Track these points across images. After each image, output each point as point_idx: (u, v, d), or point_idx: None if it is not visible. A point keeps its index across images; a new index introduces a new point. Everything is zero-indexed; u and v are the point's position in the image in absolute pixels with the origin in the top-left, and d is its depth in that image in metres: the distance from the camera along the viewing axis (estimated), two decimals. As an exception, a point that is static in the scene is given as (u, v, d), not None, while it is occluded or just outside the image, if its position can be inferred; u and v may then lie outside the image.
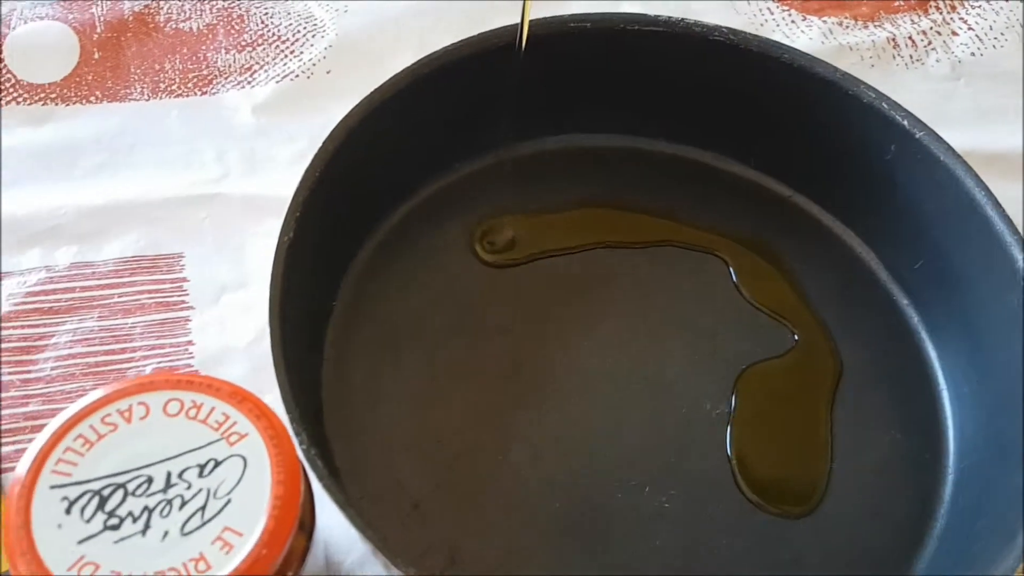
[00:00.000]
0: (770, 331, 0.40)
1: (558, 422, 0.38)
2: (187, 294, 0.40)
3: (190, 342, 0.39)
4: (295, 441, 0.29)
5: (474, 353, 0.39)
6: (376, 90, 0.37)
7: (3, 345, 0.38)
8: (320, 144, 0.36)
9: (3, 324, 0.39)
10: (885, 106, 0.39)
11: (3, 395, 0.37)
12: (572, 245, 0.42)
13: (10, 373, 0.38)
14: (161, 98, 0.46)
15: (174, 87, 0.46)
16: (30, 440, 0.35)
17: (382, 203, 0.41)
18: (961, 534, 0.34)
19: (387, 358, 0.38)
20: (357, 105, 0.37)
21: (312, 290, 0.37)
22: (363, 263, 0.40)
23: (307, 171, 0.35)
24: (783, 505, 0.36)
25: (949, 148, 0.37)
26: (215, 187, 0.43)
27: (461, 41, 0.39)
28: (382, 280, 0.40)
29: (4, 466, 0.35)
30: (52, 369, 0.38)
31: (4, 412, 0.37)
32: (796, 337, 0.40)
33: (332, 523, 0.34)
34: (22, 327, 0.39)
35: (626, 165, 0.44)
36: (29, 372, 0.38)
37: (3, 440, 0.36)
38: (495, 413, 0.38)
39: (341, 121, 0.36)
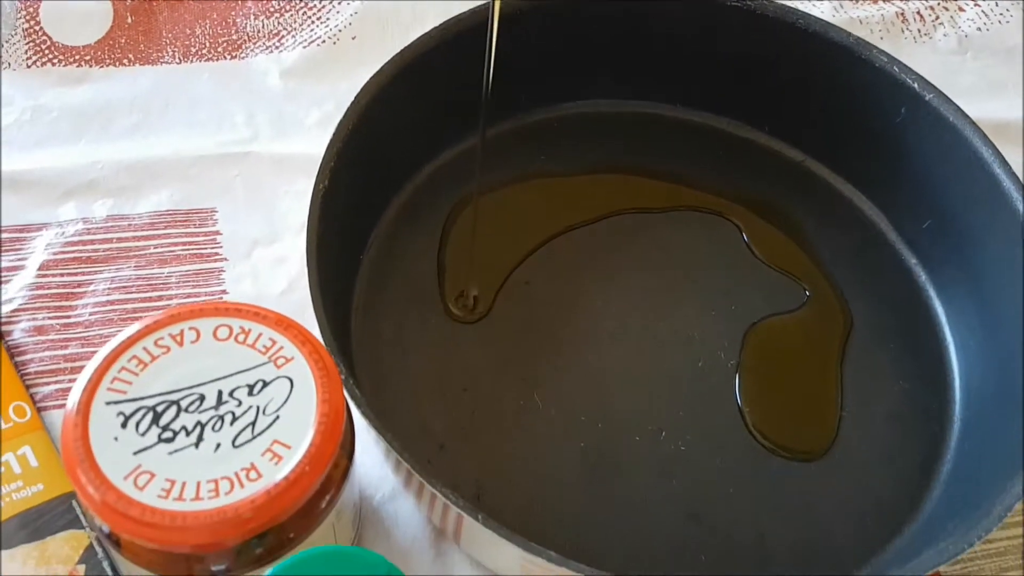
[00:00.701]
0: (783, 288, 0.42)
1: (578, 372, 0.39)
2: (220, 247, 0.42)
3: (224, 291, 0.40)
4: (335, 372, 0.30)
5: (498, 307, 0.40)
6: (407, 47, 0.39)
7: (43, 292, 0.39)
8: (352, 99, 0.37)
9: (42, 272, 0.40)
10: (896, 69, 0.40)
11: (43, 339, 0.38)
12: (592, 216, 0.43)
13: (50, 318, 0.39)
14: (192, 62, 0.48)
15: (204, 51, 0.48)
16: (70, 380, 0.37)
17: (410, 162, 0.42)
18: (966, 477, 0.35)
19: (414, 310, 0.40)
20: (389, 61, 0.38)
21: (342, 243, 0.38)
22: (390, 220, 0.42)
23: (341, 123, 0.36)
24: (794, 450, 0.37)
25: (958, 109, 0.39)
26: (245, 147, 0.44)
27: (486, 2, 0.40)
28: (409, 236, 0.42)
29: (45, 404, 0.37)
30: (91, 315, 0.39)
31: (45, 354, 0.38)
32: (808, 294, 0.41)
33: (364, 460, 0.36)
34: (61, 275, 0.40)
35: (643, 130, 0.46)
36: (68, 317, 0.39)
37: (43, 381, 0.37)
38: (518, 363, 0.39)
39: (374, 76, 0.38)
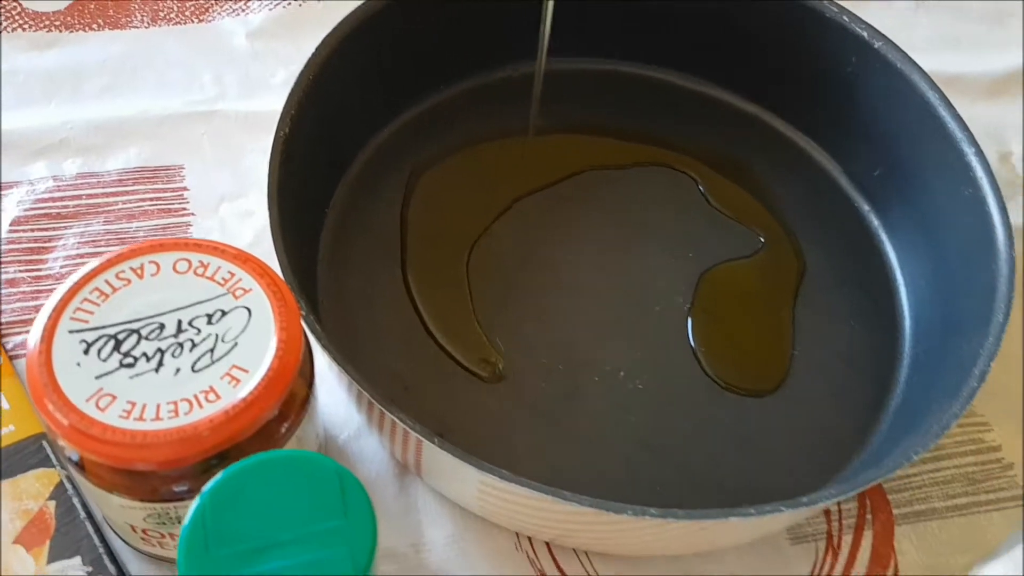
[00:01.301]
0: (739, 236, 0.43)
1: (539, 318, 0.40)
2: (187, 202, 0.42)
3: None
4: (294, 307, 0.31)
5: (463, 259, 0.41)
6: (364, 4, 0.40)
7: (14, 247, 0.40)
8: (312, 52, 0.38)
9: (14, 228, 0.41)
10: (846, 19, 0.41)
11: (15, 291, 0.39)
12: (555, 177, 0.44)
13: (21, 271, 0.40)
14: (160, 26, 0.48)
15: (172, 15, 0.49)
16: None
17: (374, 116, 0.43)
18: (912, 410, 0.36)
19: (379, 262, 0.41)
20: (349, 15, 0.39)
21: (306, 195, 0.39)
22: (356, 175, 0.43)
23: (301, 74, 0.37)
24: (746, 388, 0.38)
25: (905, 56, 0.40)
26: (212, 106, 0.45)
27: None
28: (374, 191, 0.43)
29: (16, 353, 0.38)
30: (61, 268, 0.40)
31: (16, 305, 0.39)
32: (763, 241, 0.42)
33: (328, 401, 0.37)
34: (32, 230, 0.41)
35: (602, 88, 0.47)
36: (39, 270, 0.40)
37: (15, 331, 0.38)
38: (482, 310, 0.40)
39: (334, 29, 0.39)
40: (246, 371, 0.27)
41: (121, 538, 0.33)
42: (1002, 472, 0.38)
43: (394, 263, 0.41)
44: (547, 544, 0.35)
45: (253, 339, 0.28)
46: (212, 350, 0.27)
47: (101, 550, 0.32)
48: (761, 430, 0.38)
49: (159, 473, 0.28)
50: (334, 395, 0.37)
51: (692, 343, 0.39)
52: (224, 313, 0.28)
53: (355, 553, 0.22)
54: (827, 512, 0.36)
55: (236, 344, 0.28)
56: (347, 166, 0.43)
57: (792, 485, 0.36)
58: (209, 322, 0.28)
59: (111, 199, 0.42)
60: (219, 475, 0.23)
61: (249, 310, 0.28)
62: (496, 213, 0.43)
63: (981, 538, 0.36)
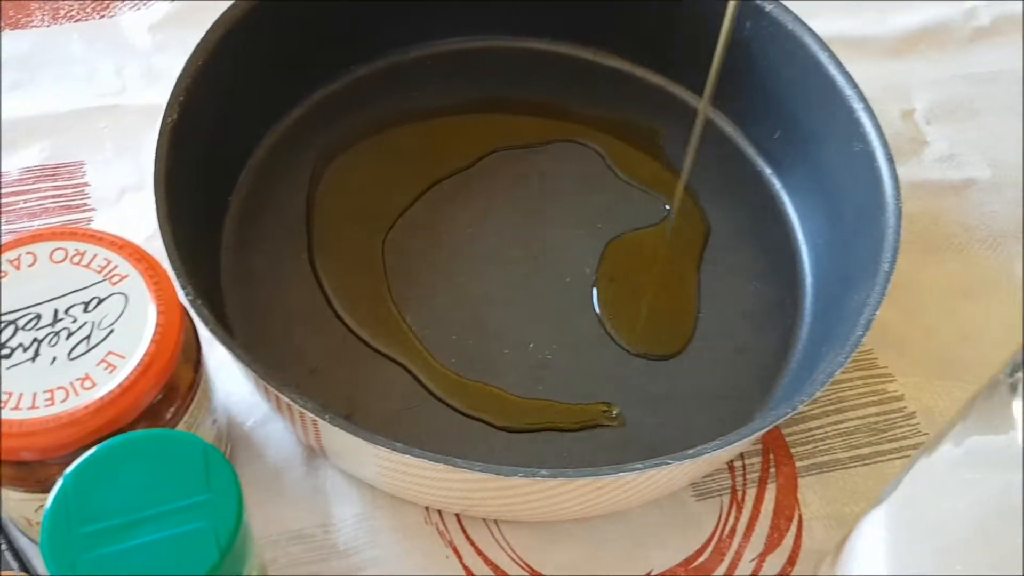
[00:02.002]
0: (646, 205, 0.43)
1: (450, 294, 0.40)
2: (88, 197, 0.42)
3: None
4: (181, 293, 0.31)
5: (370, 236, 0.41)
6: (257, -14, 0.39)
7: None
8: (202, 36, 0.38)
9: (-88, 232, 0.40)
10: (737, -16, 0.41)
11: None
12: (466, 160, 0.44)
13: (-80, 275, 0.39)
14: (62, 23, 0.48)
15: (73, 12, 0.48)
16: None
17: (277, 100, 0.43)
18: (810, 363, 0.37)
19: (285, 245, 0.41)
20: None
21: (206, 181, 0.39)
22: (261, 160, 0.43)
23: (189, 59, 0.37)
24: (654, 350, 0.39)
25: (796, 17, 0.41)
26: (114, 99, 0.45)
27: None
28: (279, 176, 0.42)
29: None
30: (-39, 269, 0.40)
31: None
32: (668, 208, 0.43)
33: (233, 389, 0.37)
34: (-70, 233, 0.41)
35: (510, 64, 0.47)
36: (-61, 273, 0.39)
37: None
38: (391, 288, 0.40)
39: (225, 12, 0.39)
40: (122, 357, 0.27)
41: (25, 535, 0.33)
42: (904, 421, 0.38)
43: (301, 246, 0.41)
44: (456, 516, 0.35)
45: (129, 325, 0.28)
46: (88, 337, 0.27)
47: (3, 547, 0.32)
48: (670, 392, 0.38)
49: (44, 462, 0.28)
50: (238, 382, 0.37)
51: (599, 311, 0.40)
52: (100, 300, 0.28)
53: (218, 528, 0.22)
54: (731, 468, 0.37)
55: (112, 331, 0.28)
56: (252, 150, 0.43)
57: (701, 441, 0.37)
58: (85, 310, 0.28)
59: (12, 199, 0.42)
60: (82, 456, 0.23)
61: (126, 296, 0.28)
62: (408, 195, 0.43)
63: (883, 486, 0.36)
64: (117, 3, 0.48)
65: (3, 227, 0.41)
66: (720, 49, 0.39)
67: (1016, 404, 0.22)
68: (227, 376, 0.36)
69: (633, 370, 0.38)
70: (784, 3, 0.41)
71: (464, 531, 0.35)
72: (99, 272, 0.29)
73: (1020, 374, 0.22)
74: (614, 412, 0.37)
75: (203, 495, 0.22)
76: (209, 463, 0.23)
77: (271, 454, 0.36)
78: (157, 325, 0.28)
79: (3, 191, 0.42)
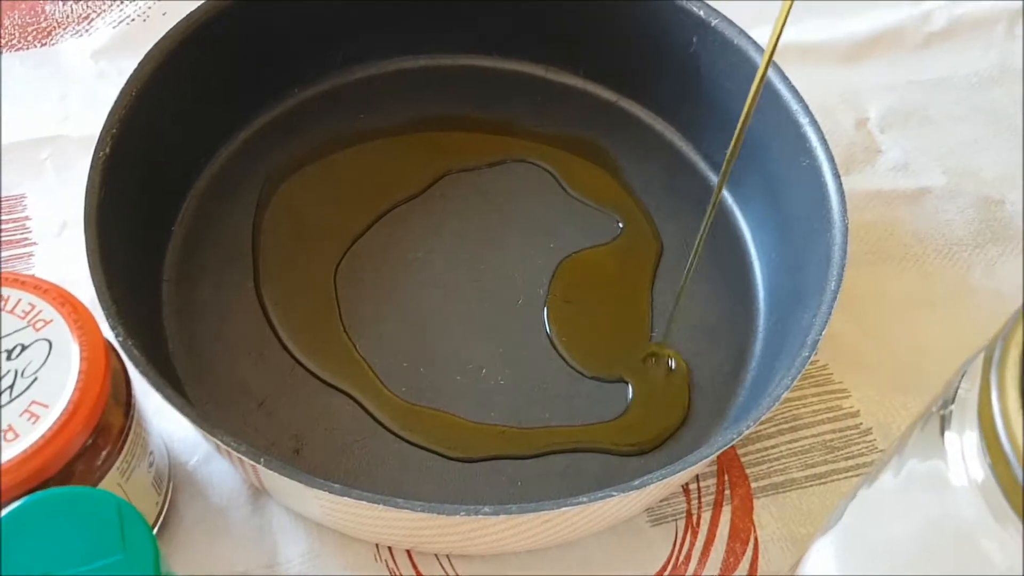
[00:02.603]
0: (599, 222, 0.43)
1: (399, 320, 0.39)
2: (30, 231, 0.41)
3: (19, 272, 0.40)
4: (111, 334, 0.30)
5: (319, 264, 0.41)
6: (193, 12, 0.39)
7: None
8: (134, 68, 0.37)
9: None
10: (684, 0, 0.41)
11: None
12: (418, 185, 0.43)
13: None
14: (2, 52, 0.47)
15: (14, 41, 0.47)
16: None
17: (217, 129, 0.42)
18: (764, 381, 0.37)
19: (229, 275, 0.40)
20: (174, 27, 0.38)
21: (144, 213, 0.38)
22: (203, 189, 0.42)
23: (122, 91, 0.36)
24: (607, 372, 0.38)
25: (740, 31, 0.40)
26: (56, 129, 0.44)
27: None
28: (223, 204, 0.42)
29: None
30: (-103, 310, 0.39)
31: None
32: (621, 225, 0.42)
33: (174, 428, 0.36)
34: None
35: (462, 83, 0.46)
36: None
37: None
38: (341, 314, 0.39)
39: (157, 43, 0.38)
40: (46, 406, 0.26)
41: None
42: (860, 438, 0.38)
43: (247, 276, 0.40)
44: (407, 552, 0.35)
45: (53, 372, 0.27)
46: (12, 387, 0.27)
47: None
48: (624, 413, 0.38)
49: (-28, 517, 0.27)
50: (180, 421, 0.36)
51: (552, 334, 0.39)
52: (24, 347, 0.27)
53: (135, 587, 0.21)
54: (686, 490, 0.36)
55: (36, 379, 0.27)
56: (194, 179, 0.42)
57: (654, 464, 0.36)
58: (8, 358, 0.27)
59: (-49, 235, 0.41)
60: (-7, 518, 0.22)
61: (50, 342, 0.27)
62: (356, 221, 0.42)
63: (840, 504, 0.36)
64: (59, 30, 0.48)
65: (-59, 265, 0.40)
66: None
67: (948, 436, 0.21)
68: (167, 415, 0.35)
69: (586, 393, 0.38)
70: (733, 11, 0.41)
71: (415, 567, 0.34)
72: (23, 318, 0.28)
73: (952, 407, 0.21)
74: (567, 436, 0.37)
75: (118, 555, 0.21)
76: (124, 521, 0.22)
77: (215, 493, 0.35)
78: (81, 371, 0.27)
79: (-59, 227, 0.41)
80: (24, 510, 0.22)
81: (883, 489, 0.25)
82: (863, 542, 0.27)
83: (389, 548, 0.35)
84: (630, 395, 0.38)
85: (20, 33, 0.47)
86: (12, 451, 0.26)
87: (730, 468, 0.37)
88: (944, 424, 0.21)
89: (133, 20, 0.47)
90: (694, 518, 0.35)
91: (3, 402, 0.26)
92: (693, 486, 0.36)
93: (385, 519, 0.31)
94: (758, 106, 0.40)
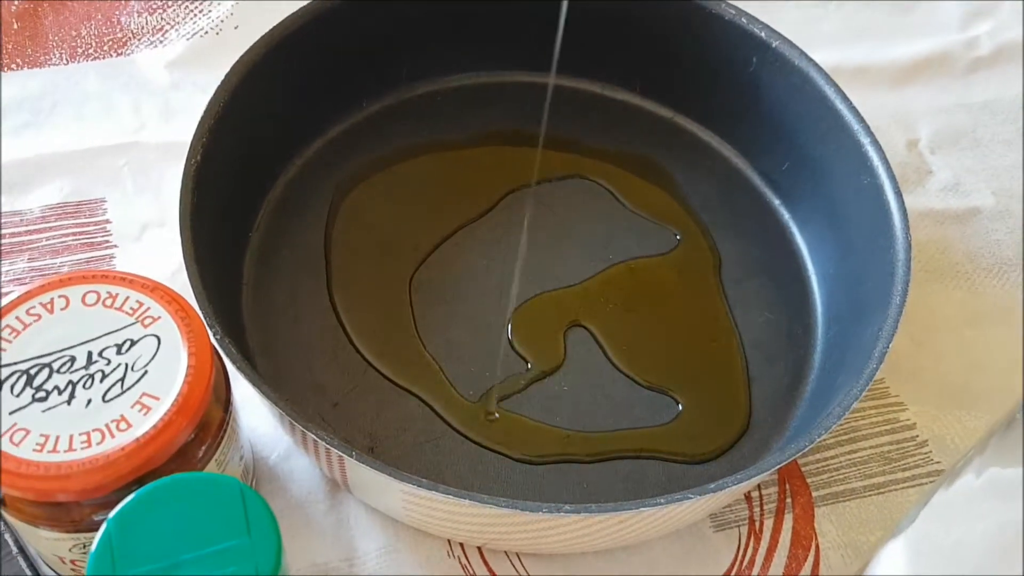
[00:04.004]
0: (658, 236, 0.44)
1: (468, 327, 0.41)
2: (110, 234, 0.43)
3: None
4: (209, 332, 0.32)
5: (390, 271, 0.42)
6: (277, 26, 0.40)
7: (-63, 289, 0.40)
8: (222, 78, 0.39)
9: (-64, 270, 0.41)
10: (744, 20, 0.42)
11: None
12: (486, 206, 0.44)
13: (-55, 313, 0.40)
14: (79, 62, 0.49)
15: (91, 51, 0.49)
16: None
17: (294, 138, 0.44)
18: (824, 394, 0.38)
19: (305, 281, 0.41)
20: (259, 40, 0.40)
21: (226, 219, 0.40)
22: (278, 196, 0.43)
23: (211, 100, 0.38)
24: (669, 381, 0.39)
25: (802, 53, 0.41)
26: (132, 136, 0.46)
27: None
28: (297, 211, 0.43)
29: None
30: (-14, 307, 0.40)
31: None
32: (679, 238, 0.44)
33: (257, 424, 0.37)
34: (-45, 271, 0.41)
35: (523, 99, 0.48)
36: (-36, 311, 0.40)
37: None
38: (409, 321, 0.41)
39: (244, 54, 0.39)
40: (156, 398, 0.28)
41: (53, 571, 0.33)
42: (916, 450, 0.39)
43: (320, 281, 0.41)
44: (479, 549, 0.36)
45: (162, 366, 0.28)
46: (122, 380, 0.28)
47: (33, 584, 0.33)
48: (683, 422, 0.39)
49: (79, 503, 0.28)
50: (262, 417, 0.38)
51: (612, 343, 0.40)
52: (133, 342, 0.29)
53: (259, 569, 0.22)
54: (748, 498, 0.37)
55: (146, 372, 0.28)
56: (270, 187, 0.43)
57: (717, 472, 0.38)
58: (119, 352, 0.28)
59: (35, 236, 0.43)
60: (124, 501, 0.23)
61: (158, 338, 0.29)
62: (425, 230, 0.43)
63: (898, 515, 0.37)
64: (134, 41, 0.49)
65: (27, 264, 0.41)
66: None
67: (1034, 440, 0.22)
68: (250, 411, 0.36)
69: (647, 401, 0.39)
70: (789, 36, 0.42)
71: (486, 564, 0.35)
72: (131, 315, 0.29)
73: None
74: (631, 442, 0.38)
75: (243, 538, 0.23)
76: (247, 505, 0.23)
77: (295, 488, 0.36)
78: (189, 366, 0.28)
79: (25, 228, 0.43)
80: (153, 493, 0.23)
81: (962, 492, 0.26)
82: (937, 545, 0.28)
83: (461, 545, 0.36)
84: (692, 405, 0.39)
85: (97, 43, 0.49)
86: (124, 440, 0.27)
87: (791, 477, 0.38)
88: (1029, 430, 0.22)
89: (207, 33, 0.49)
90: (757, 524, 0.36)
91: (116, 393, 0.28)
92: (755, 494, 0.37)
93: (462, 515, 0.32)
94: (817, 127, 0.42)
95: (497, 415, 0.38)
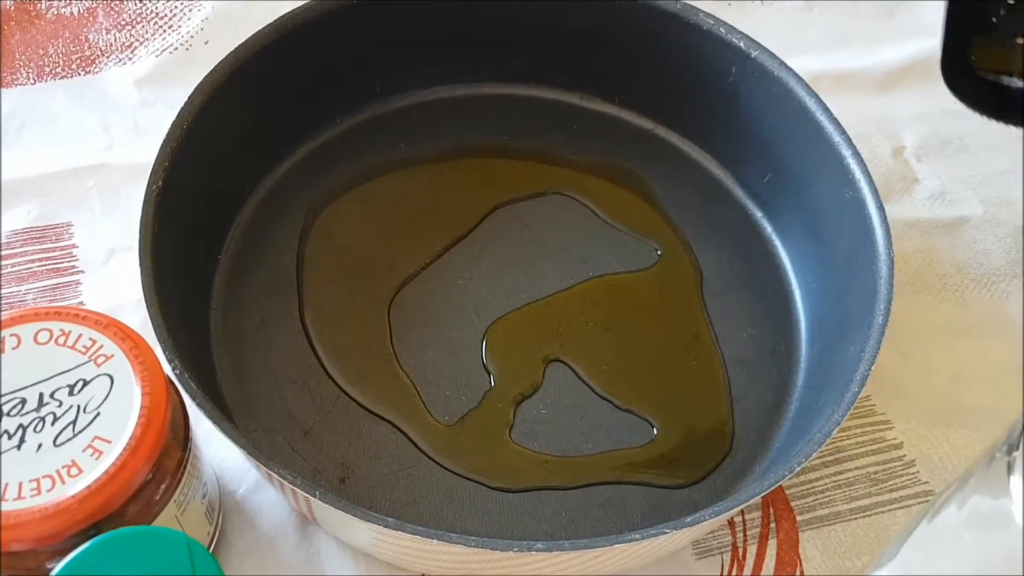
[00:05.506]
0: (637, 251, 0.43)
1: (442, 348, 0.40)
2: (77, 260, 0.42)
3: (81, 304, 0.40)
4: (168, 367, 0.31)
5: (364, 293, 0.41)
6: (242, 44, 0.39)
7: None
8: (185, 100, 0.38)
9: (-102, 300, 0.40)
10: (722, 30, 0.41)
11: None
12: (466, 226, 0.43)
13: (-93, 345, 0.39)
14: (47, 80, 0.48)
15: (58, 69, 0.48)
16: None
17: (263, 158, 0.43)
18: (809, 413, 0.37)
19: (276, 304, 0.40)
20: (223, 60, 0.39)
21: (193, 242, 0.39)
22: (248, 218, 0.42)
23: (174, 123, 0.37)
24: (647, 402, 0.38)
25: (781, 63, 0.40)
26: (101, 157, 0.45)
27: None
28: (268, 232, 0.42)
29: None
30: (-52, 338, 0.39)
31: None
32: (659, 253, 0.43)
33: (223, 456, 0.36)
34: (-83, 301, 0.40)
35: (500, 111, 0.47)
36: (-75, 342, 0.39)
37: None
38: (383, 345, 0.40)
39: (207, 76, 0.38)
40: (108, 441, 0.27)
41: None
42: (904, 470, 0.38)
43: (291, 305, 0.40)
44: (454, 582, 0.35)
45: (115, 407, 0.27)
46: (74, 422, 0.27)
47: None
48: (664, 445, 0.38)
49: (35, 551, 0.27)
50: (230, 449, 0.37)
51: (591, 365, 0.39)
52: (86, 383, 0.28)
53: (207, 626, 0.21)
54: (731, 524, 0.36)
55: (98, 414, 0.27)
56: (239, 207, 0.42)
57: (698, 497, 0.37)
58: (71, 393, 0.28)
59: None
60: (65, 559, 0.22)
61: (111, 377, 0.28)
62: (404, 250, 0.42)
63: (885, 538, 0.36)
64: (102, 58, 0.48)
65: (-10, 293, 0.41)
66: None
67: (1013, 480, 0.21)
68: (217, 443, 0.35)
69: (626, 423, 0.38)
70: (771, 43, 0.41)
71: (462, 597, 0.35)
72: (84, 353, 0.28)
73: (1017, 453, 0.21)
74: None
75: (191, 594, 0.22)
76: (194, 559, 0.22)
77: (264, 522, 0.35)
78: (143, 407, 0.27)
79: (-11, 255, 0.42)
80: (93, 551, 0.22)
81: (946, 524, 0.25)
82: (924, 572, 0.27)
83: (436, 579, 0.35)
84: (674, 427, 0.38)
85: (64, 61, 0.48)
86: (76, 487, 0.26)
87: (775, 501, 0.37)
88: (1010, 469, 0.21)
89: (176, 49, 0.48)
90: (740, 551, 0.36)
91: (67, 437, 0.27)
92: (738, 519, 0.36)
93: (435, 551, 0.31)
94: (798, 138, 0.41)
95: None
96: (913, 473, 0.38)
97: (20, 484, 0.26)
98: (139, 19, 0.49)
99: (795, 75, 0.40)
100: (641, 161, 0.45)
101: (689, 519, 0.29)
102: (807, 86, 0.40)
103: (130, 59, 0.48)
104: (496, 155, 0.46)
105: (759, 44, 0.41)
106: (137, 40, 0.49)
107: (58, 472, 0.26)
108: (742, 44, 0.41)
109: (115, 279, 0.41)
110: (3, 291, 0.41)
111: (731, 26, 0.41)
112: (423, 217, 0.43)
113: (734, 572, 0.35)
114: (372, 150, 0.45)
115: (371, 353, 0.40)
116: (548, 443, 0.38)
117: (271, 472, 0.30)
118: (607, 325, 0.41)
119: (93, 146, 0.45)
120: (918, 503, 0.37)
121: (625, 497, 0.36)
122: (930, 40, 0.52)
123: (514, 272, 0.42)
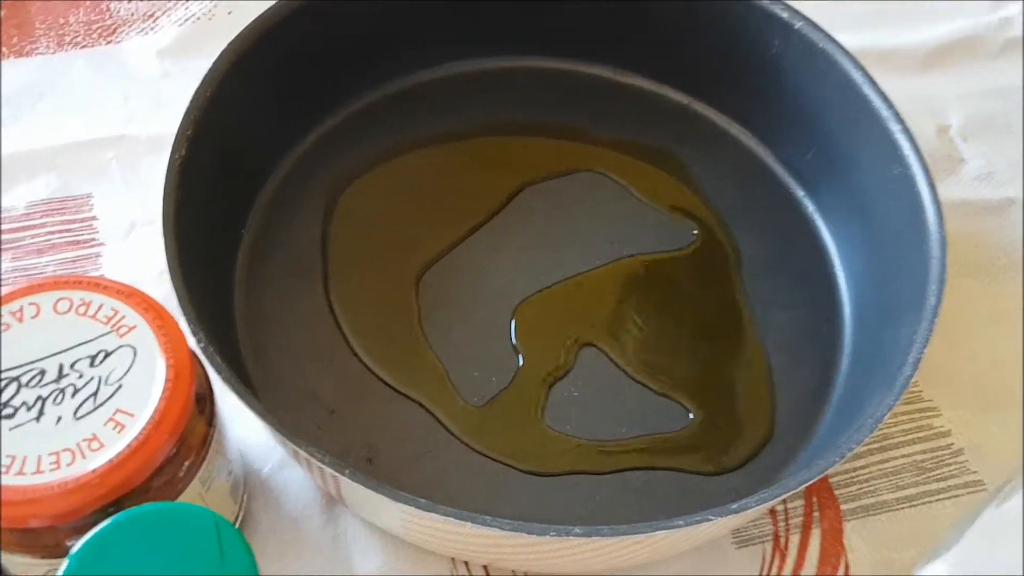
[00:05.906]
0: (673, 231, 0.41)
1: (469, 330, 0.38)
2: (97, 232, 0.41)
3: (101, 276, 0.39)
4: (192, 339, 0.29)
5: (388, 272, 0.40)
6: (265, 12, 0.38)
7: (-85, 292, 0.38)
8: (209, 68, 0.36)
9: (-86, 272, 0.39)
10: (765, 1, 0.40)
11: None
12: (494, 206, 0.41)
13: (-77, 317, 0.38)
14: (67, 50, 0.47)
15: (79, 39, 0.47)
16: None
17: (288, 130, 0.42)
18: (854, 399, 0.35)
19: (299, 281, 0.39)
20: (247, 27, 0.38)
21: (216, 215, 0.37)
22: (273, 191, 0.41)
23: (197, 91, 0.36)
24: (684, 387, 0.37)
25: (826, 35, 0.39)
26: (121, 129, 0.43)
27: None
28: (293, 207, 0.41)
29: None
30: (-35, 310, 0.38)
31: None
32: (695, 233, 0.41)
33: (247, 434, 0.35)
34: (-66, 272, 0.39)
35: (530, 86, 0.45)
36: (-58, 315, 0.38)
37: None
38: (410, 324, 0.38)
39: (230, 43, 0.37)
40: (131, 415, 0.26)
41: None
42: (952, 458, 0.37)
43: (316, 281, 0.39)
44: (484, 568, 0.34)
45: (138, 380, 0.26)
46: (95, 394, 0.26)
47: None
48: (702, 430, 0.36)
49: (54, 527, 0.26)
50: (255, 427, 0.35)
51: (623, 349, 0.38)
52: (107, 354, 0.27)
53: (235, 607, 0.20)
54: (773, 513, 0.35)
55: (120, 386, 0.26)
56: (263, 182, 0.41)
57: (738, 484, 0.35)
58: (92, 364, 0.26)
59: (19, 234, 0.41)
60: (86, 536, 0.21)
61: (134, 349, 0.27)
62: (431, 229, 0.41)
63: (932, 529, 0.34)
64: (124, 28, 0.47)
65: (10, 264, 0.39)
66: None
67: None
68: (242, 421, 0.34)
69: (662, 407, 0.37)
70: (811, 18, 0.40)
71: (492, 583, 0.33)
72: (105, 323, 0.27)
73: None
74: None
75: (217, 569, 0.21)
76: (222, 537, 0.21)
77: (289, 502, 0.34)
78: (167, 380, 0.26)
79: (8, 227, 0.41)
80: (120, 526, 0.21)
81: (1014, 511, 0.24)
82: (987, 565, 0.25)
83: (466, 563, 0.34)
84: (712, 412, 0.37)
85: (85, 31, 0.47)
86: (97, 461, 0.25)
87: (818, 490, 0.35)
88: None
89: (199, 19, 0.47)
90: (782, 541, 0.34)
91: (88, 409, 0.26)
92: (780, 508, 0.35)
93: (466, 534, 0.30)
94: (843, 113, 0.39)
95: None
96: (962, 462, 0.36)
97: (39, 457, 0.25)
98: (161, -12, 0.48)
99: (841, 48, 0.39)
100: (676, 138, 0.44)
101: (735, 506, 0.28)
102: (853, 59, 0.38)
103: (152, 29, 0.47)
104: (525, 132, 0.44)
105: (803, 15, 0.39)
106: (159, 9, 0.47)
107: (79, 446, 0.25)
108: (785, 15, 0.39)
109: (136, 252, 0.40)
110: (22, 263, 0.40)
111: (774, -4, 0.40)
112: (451, 195, 0.42)
113: (776, 563, 0.34)
114: (398, 126, 0.43)
115: (398, 332, 0.38)
116: (580, 427, 0.36)
117: (298, 450, 0.29)
118: (640, 307, 0.39)
119: (114, 117, 0.44)
120: (968, 493, 0.36)
121: (659, 483, 0.35)
122: (976, 17, 0.50)
123: (544, 251, 0.41)
